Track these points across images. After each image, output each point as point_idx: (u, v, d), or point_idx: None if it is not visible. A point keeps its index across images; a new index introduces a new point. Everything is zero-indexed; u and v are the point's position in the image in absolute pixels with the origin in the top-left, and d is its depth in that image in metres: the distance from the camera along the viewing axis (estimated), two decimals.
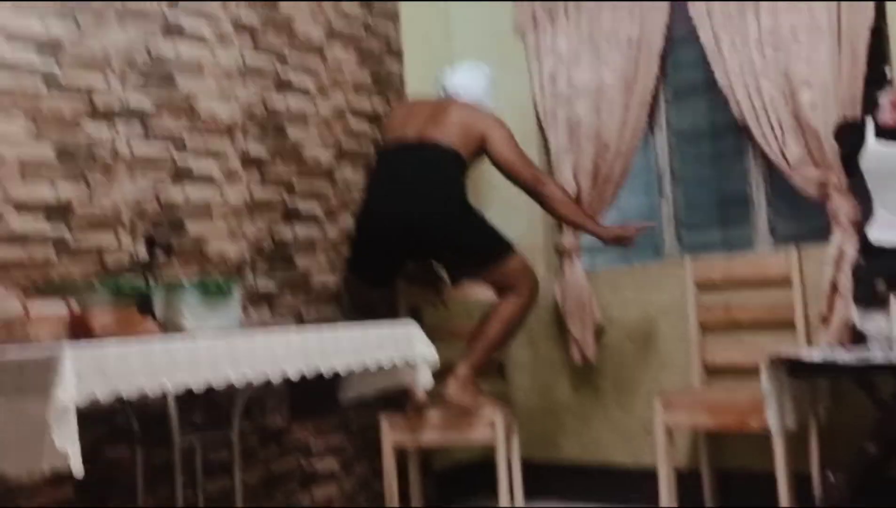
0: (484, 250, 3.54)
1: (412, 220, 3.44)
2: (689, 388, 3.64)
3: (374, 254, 3.59)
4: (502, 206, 4.11)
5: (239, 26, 3.52)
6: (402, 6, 4.29)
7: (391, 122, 3.84)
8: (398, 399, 3.59)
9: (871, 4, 3.28)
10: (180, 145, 3.27)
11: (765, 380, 2.87)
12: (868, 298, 3.06)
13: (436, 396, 3.41)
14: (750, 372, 3.36)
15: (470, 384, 3.46)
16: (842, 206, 3.32)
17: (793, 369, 2.90)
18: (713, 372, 3.65)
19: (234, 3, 3.51)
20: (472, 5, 4.47)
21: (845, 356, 2.81)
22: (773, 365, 2.88)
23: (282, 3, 3.70)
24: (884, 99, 3.10)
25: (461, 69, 3.85)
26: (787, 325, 3.46)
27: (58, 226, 2.88)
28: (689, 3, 3.70)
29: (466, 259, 3.56)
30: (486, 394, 3.57)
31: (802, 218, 3.70)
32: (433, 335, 3.10)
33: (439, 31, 4.50)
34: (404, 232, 3.46)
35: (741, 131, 3.71)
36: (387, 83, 4.17)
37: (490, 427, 3.38)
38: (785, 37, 3.43)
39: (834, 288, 3.32)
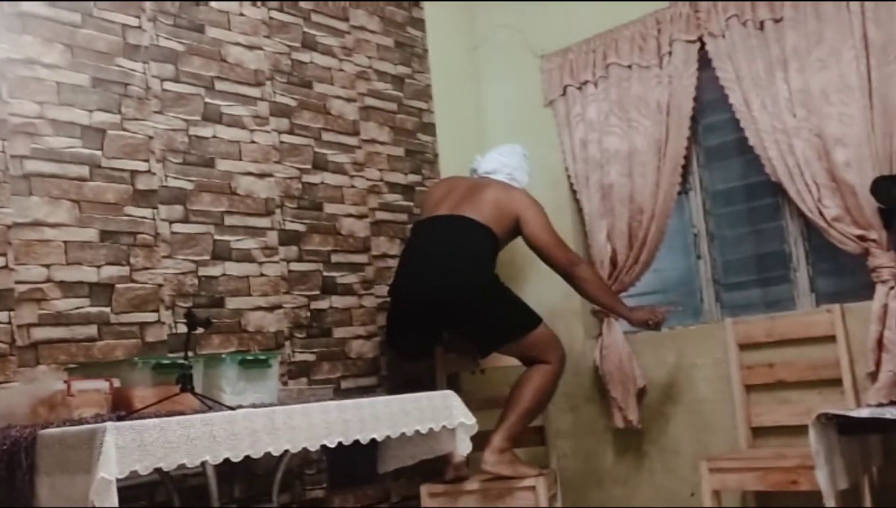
0: (511, 323, 3.59)
1: (439, 294, 3.48)
2: (736, 450, 3.57)
3: (408, 327, 3.63)
4: (539, 273, 4.11)
5: (276, 108, 3.64)
6: (435, 84, 4.40)
7: (429, 198, 3.89)
8: (439, 469, 3.57)
9: None
10: (219, 224, 3.36)
11: (813, 439, 2.80)
12: None
13: (476, 464, 3.38)
14: (797, 432, 3.29)
15: (507, 454, 3.44)
16: (883, 261, 3.29)
17: (842, 427, 2.83)
18: (760, 433, 3.58)
19: (270, 86, 3.63)
20: (501, 80, 4.56)
21: (894, 412, 2.75)
22: (821, 423, 2.81)
23: (317, 85, 3.82)
24: None
25: (492, 152, 3.92)
26: (834, 383, 3.40)
27: (100, 305, 2.97)
28: (718, 68, 3.73)
29: (494, 333, 3.59)
30: (526, 462, 3.54)
31: (844, 275, 3.65)
32: (471, 402, 3.08)
33: (471, 106, 4.59)
34: (432, 306, 3.50)
35: (777, 191, 3.70)
36: (420, 157, 4.25)
37: (532, 494, 3.33)
38: (816, 97, 3.45)
39: (880, 344, 3.27)
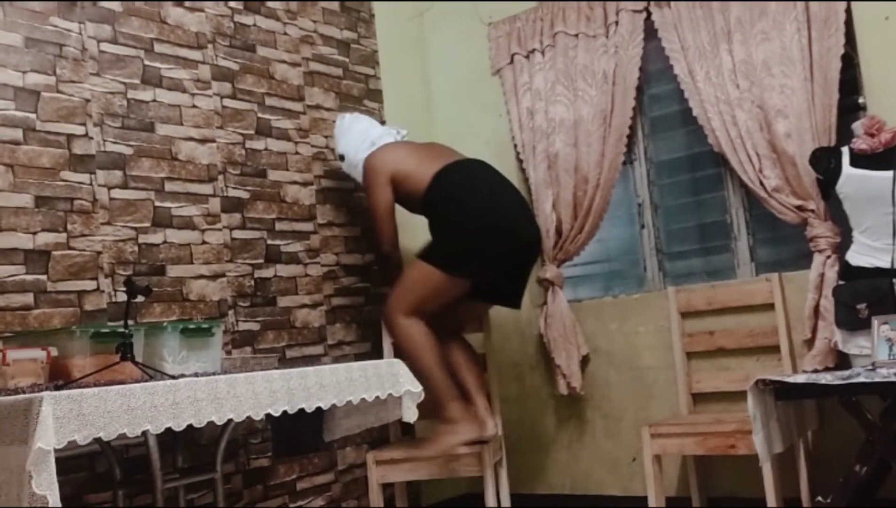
0: None
1: (537, 238, 3.65)
2: (677, 415, 3.63)
3: (515, 275, 3.63)
4: None
5: (218, 72, 3.56)
6: (381, 50, 4.34)
7: (406, 158, 3.61)
8: (385, 436, 3.57)
9: (842, 32, 3.33)
10: (160, 190, 3.28)
11: (751, 404, 2.86)
12: (850, 321, 3.07)
13: (420, 431, 3.40)
14: (736, 398, 3.37)
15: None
16: (821, 231, 3.35)
17: (778, 392, 2.90)
18: (700, 399, 3.65)
19: (212, 49, 3.54)
20: (449, 47, 4.53)
21: (829, 377, 2.81)
22: (758, 389, 2.88)
23: (261, 49, 3.74)
24: (858, 126, 3.14)
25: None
26: (772, 350, 3.47)
27: (36, 272, 2.88)
28: (663, 38, 3.76)
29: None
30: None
31: (783, 244, 3.72)
32: None
33: (418, 73, 4.56)
34: (535, 250, 3.64)
35: (719, 161, 3.75)
36: None
37: (477, 461, 3.36)
38: (758, 68, 3.49)
39: (816, 312, 3.34)
